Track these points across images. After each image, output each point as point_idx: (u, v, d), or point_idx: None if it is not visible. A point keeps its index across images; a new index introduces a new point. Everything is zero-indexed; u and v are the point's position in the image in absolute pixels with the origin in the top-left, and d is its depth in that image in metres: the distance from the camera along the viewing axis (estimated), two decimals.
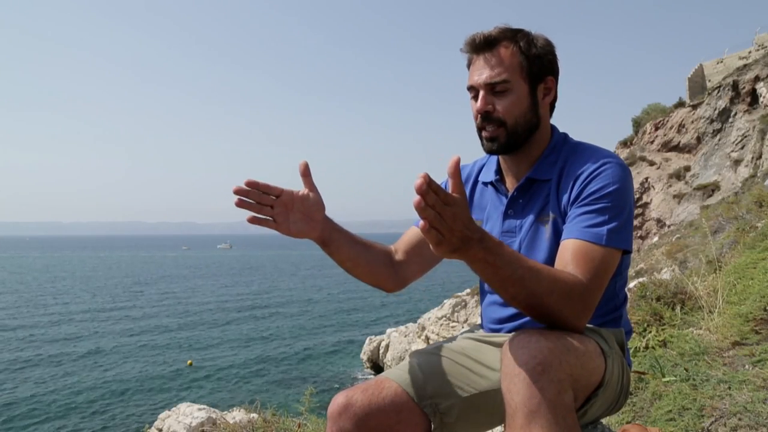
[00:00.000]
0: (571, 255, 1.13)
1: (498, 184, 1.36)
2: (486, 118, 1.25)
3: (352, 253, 1.32)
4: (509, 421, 0.97)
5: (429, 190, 0.88)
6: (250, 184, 1.17)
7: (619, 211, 1.16)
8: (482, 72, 1.24)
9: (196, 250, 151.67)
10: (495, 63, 1.23)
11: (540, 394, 0.93)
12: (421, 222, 0.91)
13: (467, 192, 1.43)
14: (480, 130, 1.28)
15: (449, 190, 0.94)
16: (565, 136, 1.34)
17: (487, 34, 1.25)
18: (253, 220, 1.18)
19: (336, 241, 1.30)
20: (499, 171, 1.37)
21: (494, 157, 1.40)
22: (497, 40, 1.24)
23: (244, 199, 1.17)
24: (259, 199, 1.18)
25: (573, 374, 0.98)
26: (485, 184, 1.41)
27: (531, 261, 1.06)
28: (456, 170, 0.94)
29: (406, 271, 1.39)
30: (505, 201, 1.33)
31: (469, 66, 1.30)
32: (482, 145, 1.30)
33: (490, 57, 1.24)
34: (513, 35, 1.25)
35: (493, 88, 1.23)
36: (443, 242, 0.93)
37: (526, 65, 1.24)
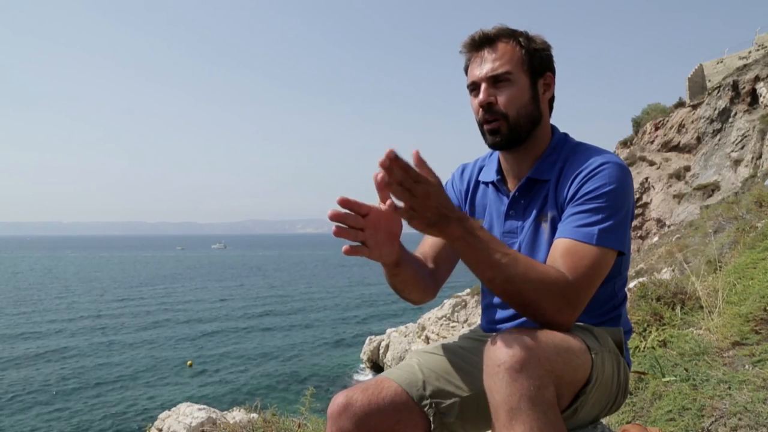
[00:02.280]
0: (559, 253, 1.14)
1: (499, 184, 1.36)
2: (488, 110, 1.25)
3: (412, 271, 1.23)
4: (493, 419, 0.97)
5: (394, 166, 0.94)
6: (342, 203, 1.00)
7: (614, 211, 1.16)
8: (483, 66, 1.25)
9: (191, 250, 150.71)
10: (496, 57, 1.25)
11: (519, 390, 0.93)
12: (389, 201, 0.97)
13: (468, 192, 1.44)
14: (482, 124, 1.28)
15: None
16: (565, 136, 1.34)
17: (486, 31, 1.26)
18: (350, 251, 1.02)
19: (405, 260, 1.19)
20: (500, 171, 1.36)
21: (495, 157, 1.39)
22: (497, 36, 1.26)
23: (342, 226, 1.01)
24: (353, 221, 1.02)
25: (554, 370, 0.99)
26: (486, 184, 1.40)
27: (513, 250, 1.09)
28: (421, 161, 0.98)
29: (439, 278, 1.34)
30: (506, 201, 1.33)
31: (466, 67, 1.31)
32: (485, 140, 1.29)
33: (491, 52, 1.25)
34: (511, 32, 1.27)
35: (495, 81, 1.24)
36: (416, 217, 0.99)
37: (526, 59, 1.25)
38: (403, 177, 0.95)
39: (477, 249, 1.05)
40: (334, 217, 1.00)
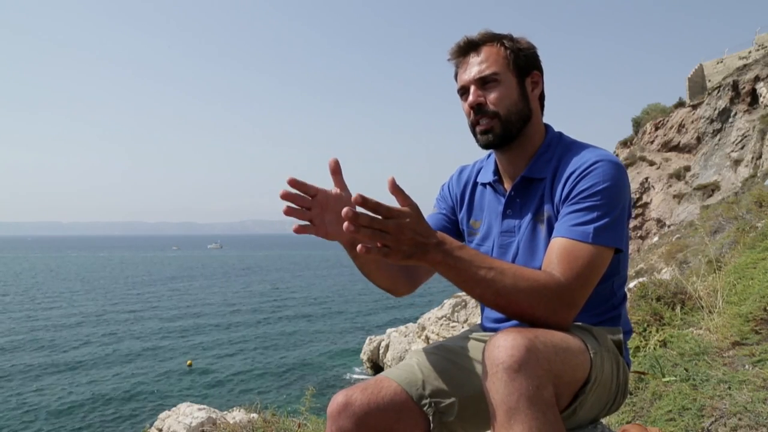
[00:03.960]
0: (555, 253, 1.14)
1: (496, 185, 1.37)
2: (479, 111, 1.28)
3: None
4: (492, 419, 0.97)
5: (357, 215, 0.94)
6: (292, 183, 1.09)
7: (610, 209, 1.16)
8: (471, 70, 1.29)
9: (187, 250, 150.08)
10: (482, 59, 1.28)
11: (518, 391, 0.93)
12: (359, 246, 0.96)
13: (466, 194, 1.45)
14: (474, 125, 1.30)
15: (401, 204, 1.01)
16: (560, 134, 1.35)
17: (470, 37, 1.30)
18: (299, 230, 1.10)
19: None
20: (496, 171, 1.38)
21: (492, 158, 1.41)
22: (481, 41, 1.30)
23: (292, 205, 1.11)
24: (301, 202, 1.12)
25: (553, 370, 0.98)
26: (483, 185, 1.42)
27: (498, 261, 1.09)
28: (396, 188, 1.00)
29: (419, 272, 1.36)
30: (503, 201, 1.34)
31: (456, 74, 1.34)
32: (477, 141, 1.31)
33: (477, 56, 1.29)
34: (495, 36, 1.30)
35: (483, 82, 1.27)
36: (391, 253, 0.99)
37: (512, 58, 1.28)
38: (371, 220, 0.96)
39: (460, 270, 1.05)
40: (284, 197, 1.08)
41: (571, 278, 1.10)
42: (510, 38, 1.30)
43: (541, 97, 1.34)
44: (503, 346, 0.97)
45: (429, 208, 1.52)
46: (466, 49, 1.30)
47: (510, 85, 1.27)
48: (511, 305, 1.08)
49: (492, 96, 1.26)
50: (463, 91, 1.31)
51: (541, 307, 1.08)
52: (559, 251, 1.14)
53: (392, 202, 1.00)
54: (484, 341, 1.34)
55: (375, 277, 1.29)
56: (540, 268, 1.23)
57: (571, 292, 1.10)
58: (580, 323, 1.21)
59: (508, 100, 1.26)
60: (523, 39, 1.31)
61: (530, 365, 0.94)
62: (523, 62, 1.29)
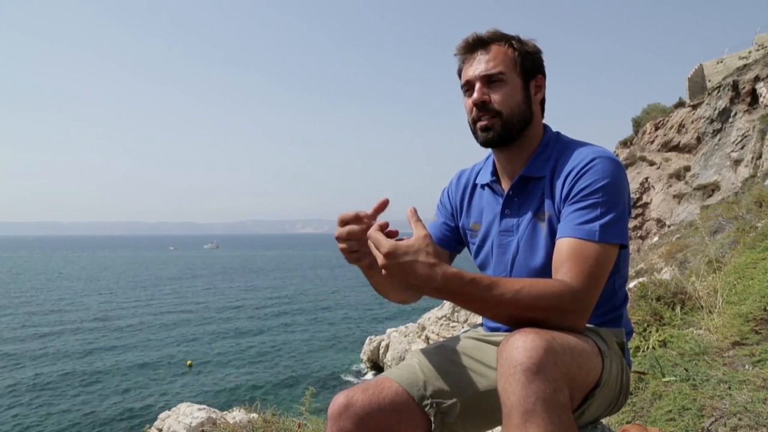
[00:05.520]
0: (565, 255, 1.14)
1: (494, 185, 1.37)
2: (482, 108, 1.28)
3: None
4: (506, 420, 0.97)
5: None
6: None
7: (612, 205, 1.16)
8: (478, 66, 1.28)
9: (184, 250, 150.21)
10: (490, 58, 1.28)
11: (535, 393, 0.93)
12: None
13: (465, 197, 1.45)
14: (475, 122, 1.30)
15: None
16: (557, 134, 1.36)
17: (480, 34, 1.30)
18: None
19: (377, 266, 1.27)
20: (494, 172, 1.38)
21: (490, 160, 1.41)
22: (490, 39, 1.29)
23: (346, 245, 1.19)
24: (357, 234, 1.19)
25: (569, 373, 0.99)
26: (482, 186, 1.42)
27: (518, 282, 1.07)
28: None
29: None
30: (501, 201, 1.34)
31: (460, 70, 1.34)
32: (477, 138, 1.31)
33: (485, 53, 1.29)
34: (504, 36, 1.30)
35: (488, 80, 1.27)
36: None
37: (519, 60, 1.28)
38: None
39: (478, 297, 1.07)
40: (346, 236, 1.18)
41: (583, 281, 1.10)
42: (518, 40, 1.30)
43: (543, 102, 1.35)
44: (521, 347, 0.96)
45: (430, 208, 1.53)
46: (474, 45, 1.30)
47: (515, 86, 1.27)
48: (533, 321, 1.07)
49: (497, 95, 1.27)
50: (468, 87, 1.31)
51: (556, 316, 1.08)
52: (569, 252, 1.13)
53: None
54: (486, 341, 1.34)
55: (387, 294, 1.33)
56: (540, 267, 1.23)
57: (584, 295, 1.10)
58: (589, 325, 1.22)
59: (512, 101, 1.27)
60: (530, 42, 1.32)
61: (548, 367, 0.94)
62: (530, 65, 1.29)
